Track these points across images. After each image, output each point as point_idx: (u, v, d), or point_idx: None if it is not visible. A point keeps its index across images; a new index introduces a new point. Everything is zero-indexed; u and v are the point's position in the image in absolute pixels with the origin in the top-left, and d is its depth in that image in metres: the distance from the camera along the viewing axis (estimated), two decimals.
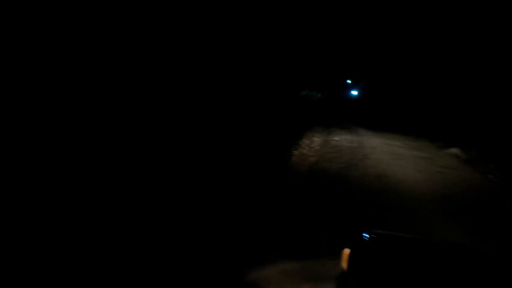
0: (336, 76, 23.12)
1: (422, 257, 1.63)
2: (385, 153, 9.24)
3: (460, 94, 13.97)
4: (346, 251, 1.86)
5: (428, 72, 16.90)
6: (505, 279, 1.49)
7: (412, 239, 1.98)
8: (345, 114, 18.09)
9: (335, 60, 20.83)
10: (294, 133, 9.81)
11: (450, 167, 8.33)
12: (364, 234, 1.81)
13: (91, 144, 4.93)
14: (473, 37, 13.63)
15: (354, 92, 25.43)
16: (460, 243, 2.00)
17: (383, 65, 20.73)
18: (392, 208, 5.02)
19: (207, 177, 5.10)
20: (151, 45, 7.04)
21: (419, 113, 15.98)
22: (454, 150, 10.19)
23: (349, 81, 25.94)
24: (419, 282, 1.40)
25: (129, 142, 5.39)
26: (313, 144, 9.51)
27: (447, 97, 14.94)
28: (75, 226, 3.17)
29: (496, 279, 1.48)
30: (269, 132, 8.67)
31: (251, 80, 10.82)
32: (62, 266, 2.62)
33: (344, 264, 1.85)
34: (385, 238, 1.82)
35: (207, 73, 8.94)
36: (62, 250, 2.80)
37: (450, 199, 5.81)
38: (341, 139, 10.99)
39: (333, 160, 7.84)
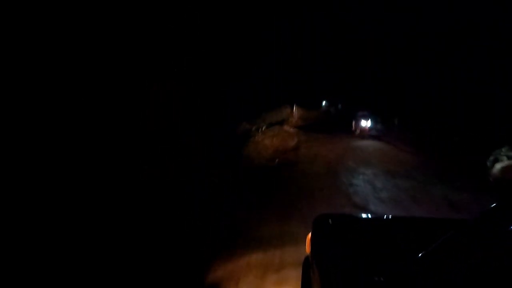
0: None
1: (373, 233, 1.72)
2: None
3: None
4: (309, 236, 1.91)
5: None
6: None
7: (362, 218, 2.03)
8: None
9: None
10: None
11: None
12: (320, 217, 1.88)
13: None
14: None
15: None
16: (406, 217, 2.07)
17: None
18: None
19: None
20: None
21: None
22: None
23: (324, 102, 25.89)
24: (370, 256, 1.46)
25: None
26: None
27: None
28: None
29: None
30: None
31: None
32: None
33: (307, 248, 1.89)
34: (338, 219, 1.89)
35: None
36: None
37: None
38: None
39: None
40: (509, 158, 1.11)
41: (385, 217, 2.02)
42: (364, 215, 2.13)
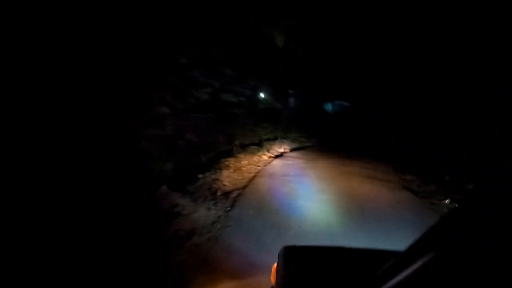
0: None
1: (334, 264, 1.70)
2: None
3: None
4: (274, 265, 1.89)
5: None
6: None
7: (324, 248, 2.04)
8: None
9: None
10: None
11: None
12: (286, 248, 1.87)
13: None
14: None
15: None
16: (366, 249, 2.08)
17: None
18: None
19: None
20: None
21: None
22: None
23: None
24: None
25: None
26: None
27: None
28: None
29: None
30: None
31: None
32: None
33: (272, 278, 1.88)
34: (299, 250, 1.88)
35: None
36: None
37: None
38: None
39: None
40: None
41: (351, 248, 2.02)
42: (330, 246, 2.12)
